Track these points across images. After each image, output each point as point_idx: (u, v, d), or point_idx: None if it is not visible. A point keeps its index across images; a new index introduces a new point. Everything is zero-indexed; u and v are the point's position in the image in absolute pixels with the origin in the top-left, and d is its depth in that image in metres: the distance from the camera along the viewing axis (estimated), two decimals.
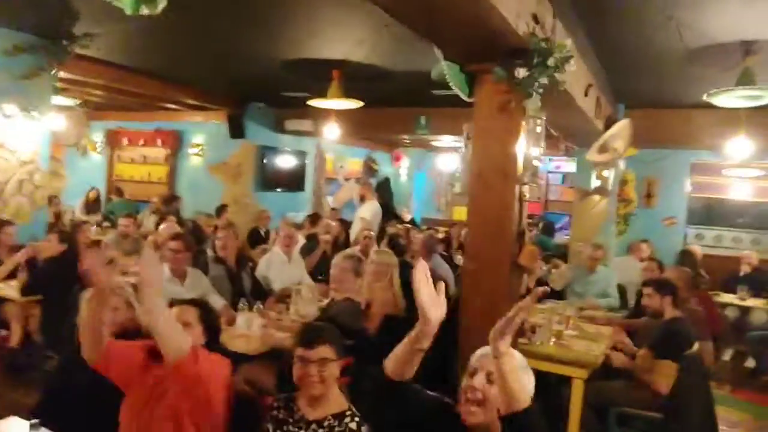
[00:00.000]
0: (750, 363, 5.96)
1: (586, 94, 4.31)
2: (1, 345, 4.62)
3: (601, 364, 3.79)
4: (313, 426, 1.90)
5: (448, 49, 2.98)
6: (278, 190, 9.40)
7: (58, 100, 6.84)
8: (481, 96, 3.09)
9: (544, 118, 3.07)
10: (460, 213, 12.82)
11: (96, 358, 2.02)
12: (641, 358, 3.64)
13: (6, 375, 4.44)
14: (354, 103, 6.07)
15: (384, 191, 11.45)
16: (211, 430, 1.99)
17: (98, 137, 10.37)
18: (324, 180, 10.73)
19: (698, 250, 6.84)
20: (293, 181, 9.71)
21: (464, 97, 3.14)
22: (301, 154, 9.81)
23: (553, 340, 3.84)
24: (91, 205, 9.19)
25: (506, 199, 3.05)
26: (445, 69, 3.01)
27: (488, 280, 3.07)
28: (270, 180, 9.24)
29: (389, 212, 9.85)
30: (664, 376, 3.51)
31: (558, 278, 3.62)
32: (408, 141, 11.98)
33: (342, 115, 7.12)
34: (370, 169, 12.10)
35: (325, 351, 1.92)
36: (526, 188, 3.14)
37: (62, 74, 5.96)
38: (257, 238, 7.26)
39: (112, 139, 10.20)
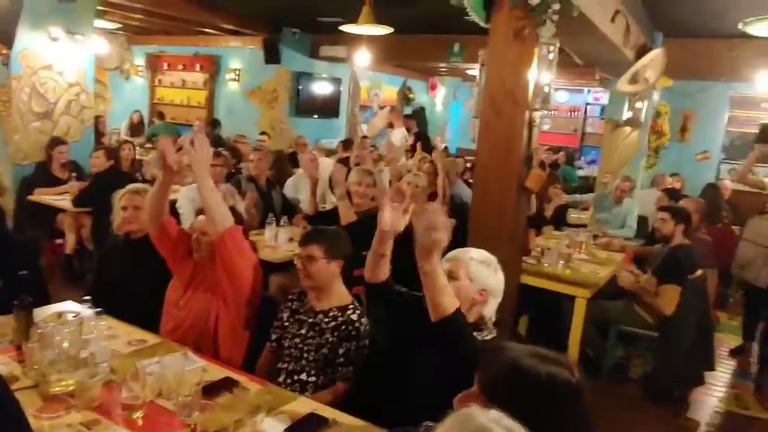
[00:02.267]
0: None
1: (613, 21, 4.26)
2: (58, 252, 5.13)
3: (606, 285, 3.99)
4: (320, 315, 2.20)
5: None
6: (313, 116, 9.58)
7: (100, 23, 7.08)
8: (496, 22, 3.15)
9: (558, 44, 3.12)
10: None
11: (156, 231, 2.40)
12: (646, 281, 3.81)
13: (63, 279, 4.96)
14: (384, 29, 6.08)
15: (419, 120, 11.47)
16: (240, 310, 2.32)
17: (139, 61, 10.65)
18: (359, 107, 10.83)
19: (727, 184, 6.77)
20: (328, 108, 9.86)
21: (481, 23, 3.21)
22: (336, 81, 9.90)
23: (561, 262, 4.04)
24: (136, 128, 9.61)
25: (516, 123, 3.16)
26: None
27: (496, 201, 3.24)
28: (305, 106, 9.42)
29: (423, 141, 9.94)
30: (669, 299, 3.68)
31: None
32: (444, 69, 11.84)
33: (375, 41, 7.14)
34: (405, 97, 12.09)
35: (312, 250, 2.19)
36: (536, 114, 3.24)
37: None
38: (295, 162, 7.54)
39: (153, 64, 10.46)
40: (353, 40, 7.82)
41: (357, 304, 2.22)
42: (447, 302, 1.61)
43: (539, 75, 3.11)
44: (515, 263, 3.48)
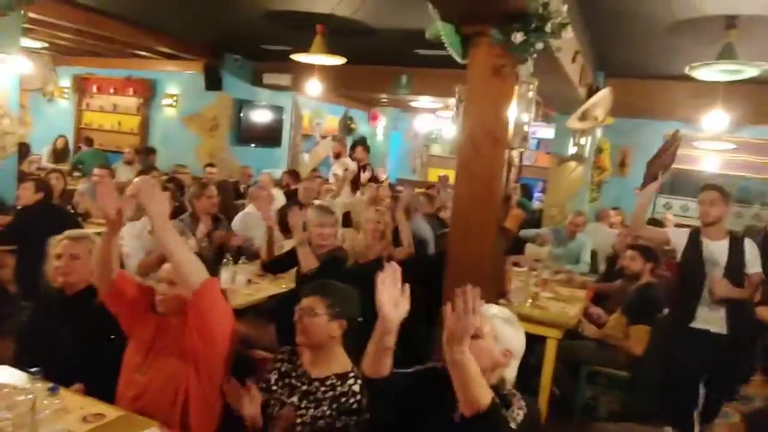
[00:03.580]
0: None
1: (573, 61, 4.33)
2: None
3: (574, 326, 3.95)
4: (316, 383, 1.94)
5: (444, 10, 2.94)
6: (255, 145, 9.26)
7: (25, 42, 6.52)
8: (475, 58, 3.07)
9: (537, 83, 3.09)
10: (435, 175, 12.88)
11: (107, 289, 2.08)
12: (615, 323, 3.80)
13: None
14: (337, 59, 5.96)
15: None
16: (214, 376, 2.03)
17: (65, 83, 9.97)
18: (300, 136, 10.61)
19: (670, 218, 7.06)
20: (270, 137, 9.57)
21: (458, 59, 3.12)
22: (278, 109, 9.65)
23: (530, 301, 3.97)
24: (59, 154, 8.92)
25: (495, 163, 3.08)
26: (440, 29, 2.98)
27: (474, 243, 3.12)
28: (246, 134, 9.09)
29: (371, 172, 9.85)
30: (639, 339, 3.68)
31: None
32: (385, 100, 11.87)
33: (322, 70, 6.99)
34: (347, 127, 12.00)
35: (314, 303, 1.96)
36: (515, 153, 3.18)
37: (30, 15, 5.67)
38: (237, 194, 7.20)
39: (81, 86, 9.82)
40: (298, 68, 7.63)
41: (358, 373, 1.96)
42: (481, 394, 1.45)
43: (519, 113, 3.05)
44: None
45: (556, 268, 5.01)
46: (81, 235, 2.52)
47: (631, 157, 7.91)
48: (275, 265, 3.71)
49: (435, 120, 13.22)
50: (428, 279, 3.92)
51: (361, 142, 11.44)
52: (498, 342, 1.69)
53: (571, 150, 6.89)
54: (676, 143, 3.98)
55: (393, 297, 1.57)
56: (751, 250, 3.38)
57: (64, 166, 8.23)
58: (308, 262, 3.37)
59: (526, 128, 3.09)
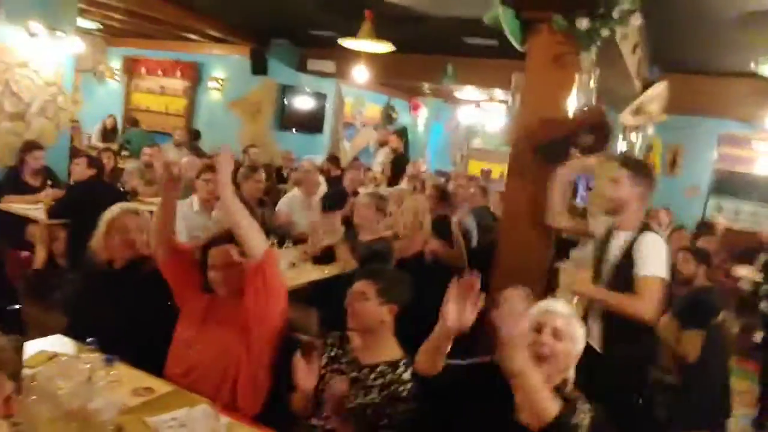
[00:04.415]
0: (758, 336, 6.01)
1: (633, 52, 4.16)
2: (24, 265, 4.66)
3: None
4: (365, 370, 1.90)
5: None
6: (295, 131, 9.29)
7: (79, 22, 6.66)
8: (534, 45, 2.97)
9: (598, 72, 2.97)
10: (475, 168, 12.71)
11: (165, 256, 2.12)
12: (665, 326, 3.65)
13: (29, 296, 4.50)
14: (385, 46, 5.89)
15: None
16: (264, 354, 2.03)
17: (116, 64, 10.17)
18: (342, 124, 10.59)
19: (722, 222, 6.78)
20: (311, 123, 9.58)
21: (517, 46, 3.02)
22: (320, 96, 9.64)
23: (576, 299, 3.85)
24: (108, 133, 9.12)
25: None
26: (499, 14, 2.89)
27: (525, 237, 3.04)
28: (289, 120, 9.12)
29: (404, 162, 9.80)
30: (692, 345, 3.51)
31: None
32: (428, 90, 11.75)
33: (368, 58, 6.95)
34: (388, 116, 11.92)
35: (364, 287, 1.93)
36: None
37: None
38: (279, 178, 7.24)
39: (130, 67, 10.00)
40: (343, 55, 7.61)
41: (409, 361, 1.91)
42: (547, 404, 1.39)
43: (579, 104, 2.93)
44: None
45: None
46: (132, 209, 2.55)
47: (682, 156, 7.61)
48: (320, 259, 3.75)
49: (478, 112, 13.03)
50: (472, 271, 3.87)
51: (399, 132, 11.41)
52: (575, 342, 1.62)
53: (621, 147, 6.66)
54: (597, 117, 2.93)
55: (459, 310, 1.53)
56: (650, 246, 2.42)
57: (113, 146, 8.43)
58: (347, 262, 3.36)
59: None
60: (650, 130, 6.90)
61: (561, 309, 1.66)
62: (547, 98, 2.97)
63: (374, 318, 1.90)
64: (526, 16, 2.93)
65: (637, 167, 2.58)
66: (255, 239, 1.93)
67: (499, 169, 11.86)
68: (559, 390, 1.60)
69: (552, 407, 1.43)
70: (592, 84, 2.96)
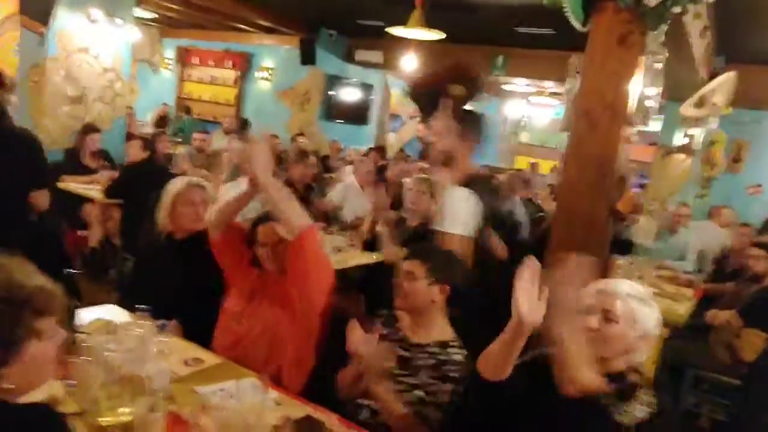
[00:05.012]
0: None
1: (701, 36, 3.95)
2: (80, 244, 4.81)
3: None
4: (415, 349, 1.85)
5: None
6: (341, 121, 9.30)
7: (137, 12, 6.84)
8: (598, 25, 2.82)
9: (666, 54, 2.81)
10: (522, 162, 12.47)
11: (219, 236, 2.11)
12: (730, 321, 3.46)
13: (85, 273, 4.63)
14: (436, 34, 5.80)
15: None
16: (309, 330, 2.00)
17: (169, 54, 10.41)
18: (388, 115, 10.55)
19: None
20: (358, 114, 9.58)
21: (578, 26, 2.88)
22: (367, 87, 9.63)
23: None
24: (161, 121, 9.35)
25: (612, 139, 2.82)
26: None
27: (583, 226, 2.90)
28: (335, 110, 9.14)
29: None
30: (751, 344, 3.33)
31: (642, 232, 3.41)
32: None
33: (416, 48, 6.87)
34: None
35: (413, 266, 1.88)
36: (633, 131, 2.92)
37: None
38: (326, 167, 7.26)
39: (183, 57, 10.22)
40: (390, 46, 7.56)
41: (461, 343, 1.86)
42: (584, 378, 1.33)
43: (643, 87, 2.78)
44: None
45: (658, 263, 4.65)
46: (197, 183, 2.57)
47: (747, 152, 7.22)
48: (369, 246, 3.72)
49: (526, 106, 12.76)
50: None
51: None
52: (635, 325, 1.51)
53: (681, 141, 6.39)
54: (467, 67, 2.81)
55: (531, 299, 1.37)
56: (456, 201, 2.28)
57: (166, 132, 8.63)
58: (389, 251, 3.31)
59: (649, 103, 2.82)
60: (714, 124, 6.58)
61: (619, 289, 1.55)
62: (609, 81, 2.81)
63: (424, 298, 1.85)
64: None
65: (467, 121, 2.45)
66: (294, 216, 1.90)
67: (545, 165, 11.62)
68: (621, 376, 1.50)
69: (590, 382, 1.35)
70: (658, 66, 2.81)
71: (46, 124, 5.10)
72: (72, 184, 4.62)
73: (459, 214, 2.28)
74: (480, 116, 2.58)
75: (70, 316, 1.73)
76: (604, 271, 3.36)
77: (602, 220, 2.89)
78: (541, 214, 4.55)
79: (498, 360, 1.45)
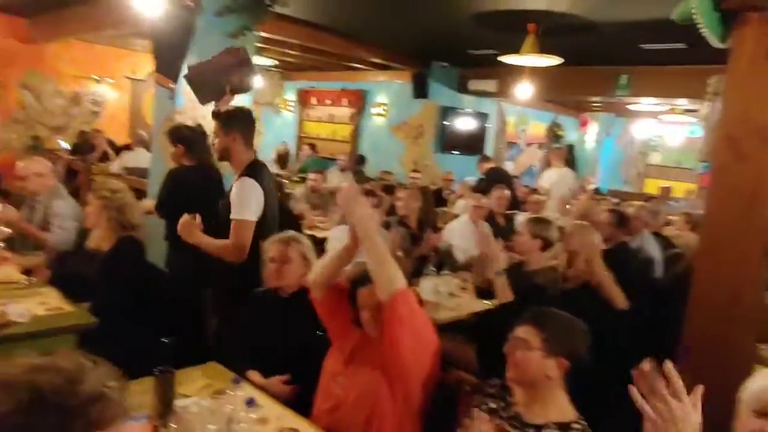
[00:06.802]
0: None
1: None
2: None
3: None
4: (530, 429, 1.63)
5: None
6: (457, 152, 9.17)
7: (258, 60, 7.26)
8: (741, 39, 2.46)
9: None
10: (652, 186, 11.52)
11: (322, 294, 2.05)
12: None
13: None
14: (552, 60, 5.53)
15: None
16: (410, 396, 1.86)
17: (290, 96, 10.99)
18: (504, 144, 10.26)
19: None
20: (473, 144, 9.39)
21: (715, 42, 2.54)
22: (481, 116, 9.44)
23: None
24: (282, 159, 9.82)
25: (762, 168, 2.43)
26: (693, 6, 2.45)
27: (730, 268, 2.51)
28: (449, 142, 9.04)
29: None
30: None
31: None
32: (598, 104, 10.95)
33: (532, 74, 6.61)
34: (554, 134, 11.32)
35: (527, 333, 1.67)
36: None
37: (262, 34, 6.26)
38: (439, 200, 7.15)
39: (303, 98, 10.74)
40: (504, 72, 7.34)
41: (585, 425, 1.61)
42: None
43: None
44: (749, 351, 2.68)
45: None
46: (291, 238, 2.53)
47: None
48: (484, 291, 3.51)
49: (656, 125, 11.83)
50: (656, 307, 3.34)
51: (565, 149, 10.74)
52: None
53: None
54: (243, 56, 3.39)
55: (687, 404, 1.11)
56: (237, 191, 2.73)
57: (286, 171, 9.04)
58: (504, 294, 3.07)
59: None
60: None
61: None
62: (756, 103, 2.43)
63: (538, 371, 1.63)
64: (728, 5, 2.45)
65: (224, 118, 2.87)
66: (386, 278, 1.77)
67: (680, 188, 10.63)
68: None
69: None
70: None
71: None
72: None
73: (240, 201, 2.71)
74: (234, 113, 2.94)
75: (169, 386, 1.70)
76: (764, 322, 2.89)
77: (754, 261, 2.48)
78: (677, 250, 4.05)
79: None
